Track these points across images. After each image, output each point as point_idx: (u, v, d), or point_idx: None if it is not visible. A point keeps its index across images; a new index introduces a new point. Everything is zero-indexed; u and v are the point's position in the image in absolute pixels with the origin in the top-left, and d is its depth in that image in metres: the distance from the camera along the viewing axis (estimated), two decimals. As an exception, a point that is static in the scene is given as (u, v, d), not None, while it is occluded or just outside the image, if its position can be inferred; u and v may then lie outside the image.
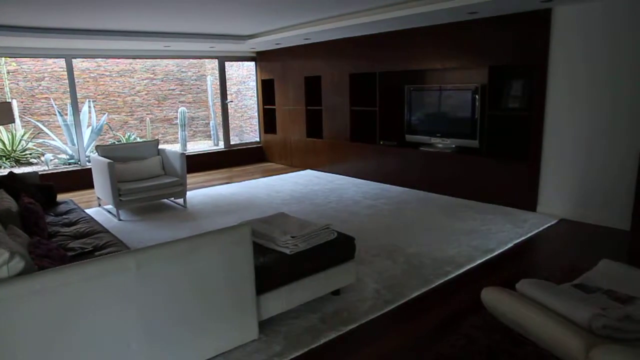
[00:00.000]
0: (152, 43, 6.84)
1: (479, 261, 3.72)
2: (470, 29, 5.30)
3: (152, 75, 11.32)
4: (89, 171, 6.03)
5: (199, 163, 8.23)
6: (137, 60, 10.70)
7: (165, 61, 11.36)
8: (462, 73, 5.85)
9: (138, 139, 10.52)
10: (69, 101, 8.13)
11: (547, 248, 4.09)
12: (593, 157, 4.52)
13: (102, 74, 10.50)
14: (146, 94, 11.26)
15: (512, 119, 5.31)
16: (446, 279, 3.41)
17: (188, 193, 5.95)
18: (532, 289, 1.95)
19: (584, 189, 4.63)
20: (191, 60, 11.60)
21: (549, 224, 4.59)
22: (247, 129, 12.11)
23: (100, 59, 10.12)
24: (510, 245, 4.06)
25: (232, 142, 9.08)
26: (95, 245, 3.14)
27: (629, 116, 4.21)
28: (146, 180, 5.43)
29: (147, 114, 11.28)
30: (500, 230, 4.42)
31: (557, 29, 4.59)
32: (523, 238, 4.23)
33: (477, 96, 5.44)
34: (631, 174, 4.01)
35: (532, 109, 4.89)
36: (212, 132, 11.81)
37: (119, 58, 9.26)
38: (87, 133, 8.69)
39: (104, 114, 10.11)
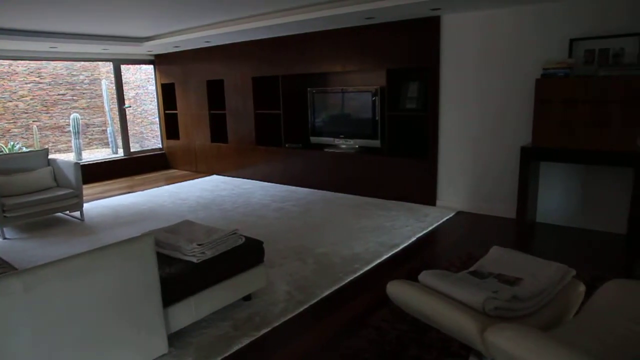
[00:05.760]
0: (34, 43, 6.26)
1: (385, 256, 3.88)
2: (368, 33, 5.50)
3: (37, 79, 10.40)
4: (-36, 186, 5.39)
5: (96, 173, 7.71)
6: (19, 61, 9.76)
7: (53, 63, 10.50)
8: (362, 76, 6.06)
9: (24, 149, 9.62)
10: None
11: (447, 239, 4.37)
12: (482, 153, 4.91)
13: (-24, 77, 9.47)
14: (31, 99, 10.33)
15: (411, 119, 5.61)
16: (355, 276, 3.51)
17: (85, 205, 5.55)
18: (432, 279, 2.07)
19: (475, 182, 5.02)
20: (83, 62, 10.84)
21: (447, 217, 4.91)
22: (148, 135, 11.59)
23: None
24: (413, 239, 4.28)
25: (132, 150, 8.60)
26: (-26, 268, 2.81)
27: (512, 115, 4.63)
28: (35, 194, 4.97)
29: (33, 121, 10.34)
30: (404, 225, 4.64)
31: (446, 34, 4.92)
32: (425, 231, 4.48)
33: (376, 98, 5.67)
34: (515, 168, 4.43)
35: (428, 109, 5.21)
36: (110, 140, 11.13)
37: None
38: (-40, 144, 7.79)
39: (-19, 122, 9.13)
